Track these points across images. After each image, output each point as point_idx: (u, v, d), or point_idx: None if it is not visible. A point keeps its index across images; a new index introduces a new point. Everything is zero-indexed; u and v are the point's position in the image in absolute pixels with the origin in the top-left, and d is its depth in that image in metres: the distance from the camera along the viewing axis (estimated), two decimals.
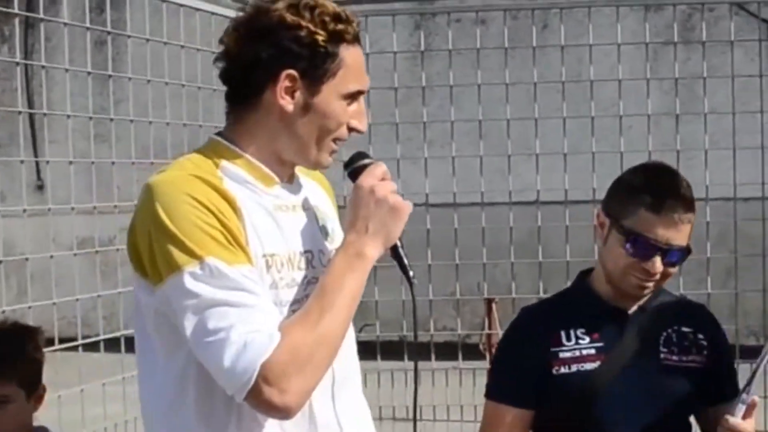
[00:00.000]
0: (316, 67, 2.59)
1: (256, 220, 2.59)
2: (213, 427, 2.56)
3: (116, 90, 5.32)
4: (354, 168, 2.70)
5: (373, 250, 2.59)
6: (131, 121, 5.37)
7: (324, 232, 2.77)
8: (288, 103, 2.60)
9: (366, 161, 2.69)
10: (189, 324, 2.45)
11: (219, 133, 2.71)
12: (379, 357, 6.45)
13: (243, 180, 2.62)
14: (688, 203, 3.24)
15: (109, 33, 5.33)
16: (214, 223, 2.48)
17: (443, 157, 6.47)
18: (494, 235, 6.35)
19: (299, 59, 2.58)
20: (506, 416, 3.39)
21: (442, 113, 6.60)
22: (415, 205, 6.66)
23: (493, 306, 8.21)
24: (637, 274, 3.25)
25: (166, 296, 2.48)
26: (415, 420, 2.91)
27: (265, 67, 2.58)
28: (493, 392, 3.46)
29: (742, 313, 6.71)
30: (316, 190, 2.86)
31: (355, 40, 2.65)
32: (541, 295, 6.01)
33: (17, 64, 5.06)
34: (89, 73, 5.23)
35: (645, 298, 3.36)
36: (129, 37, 5.34)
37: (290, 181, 2.74)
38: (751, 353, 6.54)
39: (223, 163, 2.61)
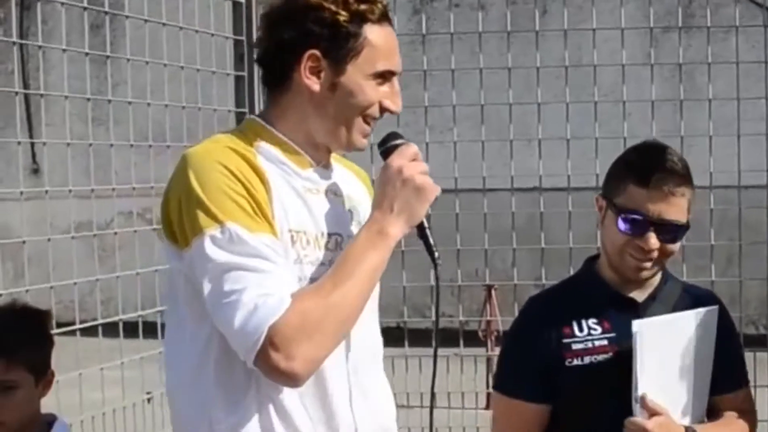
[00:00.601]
0: (338, 46, 2.64)
1: (285, 197, 2.65)
2: (232, 395, 2.60)
3: (113, 73, 5.29)
4: (386, 148, 2.72)
5: (396, 229, 2.63)
6: (129, 103, 5.32)
7: (353, 218, 2.80)
8: (314, 83, 2.66)
9: (398, 141, 2.72)
10: (206, 287, 2.52)
11: (258, 115, 2.81)
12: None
13: (277, 160, 2.69)
14: (678, 177, 3.21)
15: (106, 13, 5.27)
16: (241, 191, 2.55)
17: (444, 142, 6.43)
18: (494, 221, 6.30)
19: (321, 39, 2.65)
20: (523, 412, 3.34)
21: (441, 98, 6.55)
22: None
23: (493, 293, 8.20)
24: (633, 252, 3.23)
25: (191, 259, 2.55)
26: (431, 407, 2.94)
27: (290, 48, 2.67)
28: (504, 385, 3.41)
29: (743, 301, 6.68)
30: (352, 180, 2.91)
31: (383, 19, 2.68)
32: (544, 282, 5.96)
33: (14, 43, 4.99)
34: (87, 54, 5.18)
35: (654, 286, 3.33)
36: (127, 17, 5.29)
37: (326, 167, 2.79)
38: (751, 342, 6.55)
39: (259, 142, 2.70)
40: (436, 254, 2.76)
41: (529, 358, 3.33)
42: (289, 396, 2.61)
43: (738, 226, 6.30)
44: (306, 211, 2.69)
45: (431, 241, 2.75)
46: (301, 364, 2.48)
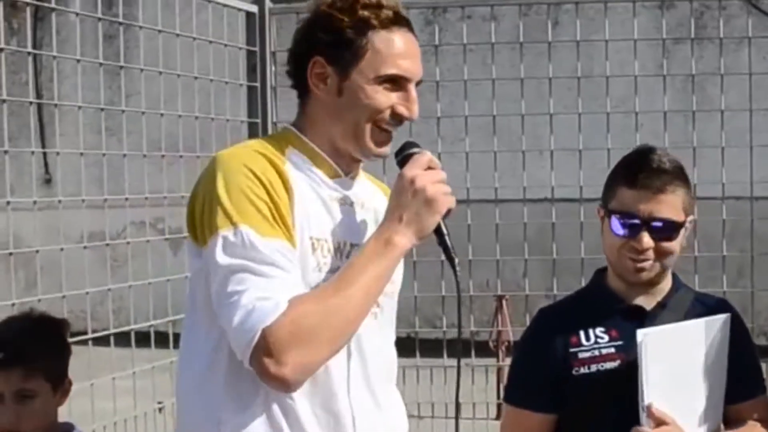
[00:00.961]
0: (341, 52, 2.67)
1: (309, 205, 2.67)
2: (241, 399, 2.60)
3: (127, 83, 5.29)
4: (402, 157, 2.73)
5: (403, 239, 2.61)
6: (143, 113, 5.34)
7: None
8: (321, 90, 2.71)
9: (413, 150, 2.73)
10: (214, 287, 2.55)
11: (292, 123, 2.84)
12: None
13: (305, 168, 2.72)
14: (666, 175, 3.22)
15: (120, 24, 5.28)
16: (262, 195, 2.58)
17: (456, 152, 6.43)
18: (505, 232, 6.30)
19: (324, 45, 2.69)
20: (529, 421, 3.36)
21: (453, 109, 6.56)
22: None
23: (504, 303, 8.19)
24: (629, 254, 3.24)
25: (207, 258, 2.58)
26: (457, 419, 2.95)
27: (300, 56, 2.73)
28: (513, 396, 3.44)
29: (754, 312, 6.67)
30: (378, 195, 2.92)
31: (392, 24, 2.69)
32: (555, 292, 5.96)
33: (28, 54, 5.02)
34: (101, 64, 5.20)
35: (663, 294, 3.33)
36: (140, 28, 5.30)
37: (354, 178, 2.81)
38: (762, 352, 6.55)
39: (290, 149, 2.73)
40: (456, 261, 2.74)
41: (536, 369, 3.35)
42: (300, 403, 2.62)
43: (750, 237, 6.30)
44: (330, 220, 2.70)
45: (451, 248, 2.73)
46: (291, 370, 2.47)
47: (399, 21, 2.71)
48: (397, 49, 2.68)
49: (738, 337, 3.34)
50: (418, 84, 2.76)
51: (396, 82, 2.69)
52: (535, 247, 6.38)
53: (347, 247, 2.70)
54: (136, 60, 5.34)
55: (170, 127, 5.58)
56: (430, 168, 2.67)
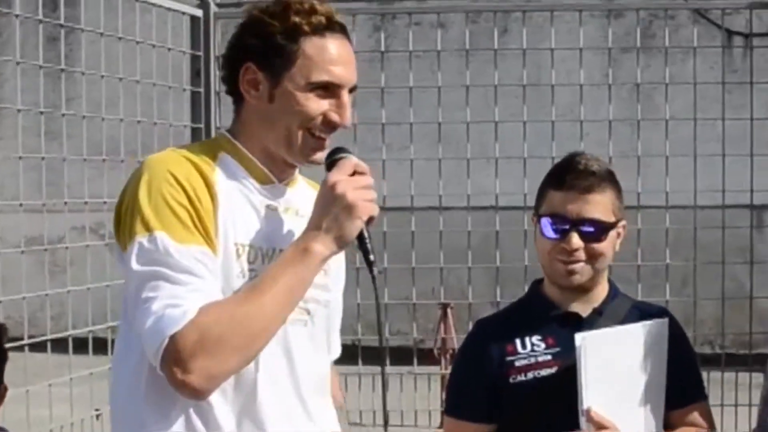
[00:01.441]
0: (271, 58, 2.65)
1: (237, 211, 2.64)
2: (161, 408, 2.57)
3: (69, 87, 5.24)
4: (328, 163, 2.68)
5: (321, 247, 2.57)
6: (83, 117, 5.28)
7: None
8: (252, 96, 2.69)
9: (339, 156, 2.67)
10: (128, 293, 2.54)
11: (228, 129, 2.81)
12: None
13: (238, 174, 2.69)
14: (593, 176, 3.23)
15: (62, 26, 5.22)
16: (183, 201, 2.54)
17: (401, 159, 6.42)
18: (450, 240, 6.29)
19: (255, 51, 2.67)
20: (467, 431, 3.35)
21: (400, 116, 6.54)
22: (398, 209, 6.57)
23: (448, 311, 8.18)
24: (560, 256, 3.24)
25: (125, 263, 2.55)
26: (385, 428, 2.91)
27: (231, 62, 2.72)
28: (451, 409, 3.43)
29: (698, 321, 6.69)
30: None
31: (324, 30, 2.66)
32: (498, 300, 5.96)
33: None
34: (41, 66, 5.13)
35: (600, 301, 3.32)
36: (83, 31, 5.24)
37: (290, 184, 2.78)
38: (707, 361, 6.56)
39: (222, 155, 2.70)
40: (374, 265, 2.66)
41: (474, 379, 3.34)
42: (222, 411, 2.58)
43: (694, 246, 6.32)
44: (259, 227, 2.66)
45: (371, 255, 2.65)
46: (198, 378, 2.44)
47: (332, 27, 2.68)
48: (329, 55, 2.65)
49: (677, 343, 3.35)
50: (352, 90, 2.72)
51: (328, 89, 2.65)
52: (481, 256, 6.38)
53: (275, 254, 2.65)
54: (79, 63, 5.29)
55: (112, 132, 5.52)
56: (356, 173, 2.61)
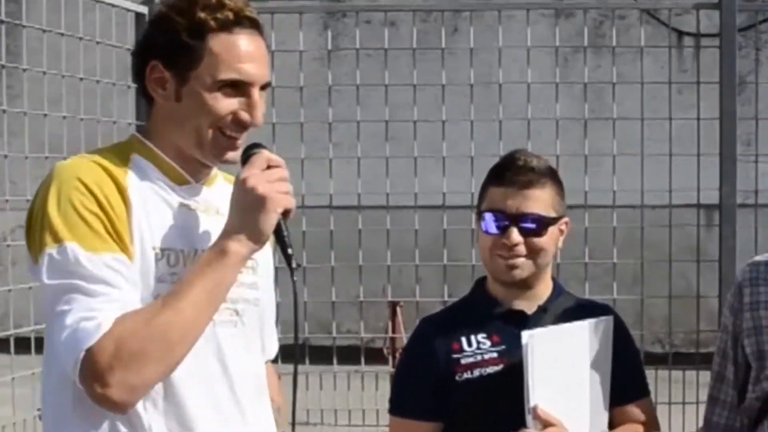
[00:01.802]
0: (177, 56, 2.57)
1: (154, 214, 2.56)
2: (88, 418, 2.50)
3: (11, 84, 5.17)
4: (243, 160, 2.60)
5: (238, 246, 2.49)
6: (25, 114, 5.22)
7: None
8: (159, 95, 2.60)
9: (253, 151, 2.59)
10: (42, 306, 2.46)
11: (142, 129, 2.74)
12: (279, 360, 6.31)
13: (152, 175, 2.60)
14: (533, 171, 3.23)
15: (3, 23, 5.15)
16: (94, 209, 2.46)
17: (348, 158, 6.39)
18: (400, 239, 6.28)
19: (160, 49, 2.59)
20: (414, 430, 3.32)
21: (351, 114, 6.53)
22: (319, 207, 6.61)
23: (398, 310, 8.16)
24: (500, 252, 3.23)
25: (38, 276, 2.46)
26: (293, 426, 2.82)
27: (138, 61, 2.63)
28: (397, 407, 3.39)
29: (648, 320, 6.72)
30: None
31: (232, 26, 2.58)
32: (446, 298, 5.95)
33: None
34: None
35: (544, 299, 3.32)
36: (24, 27, 5.18)
37: (207, 183, 2.70)
38: (657, 360, 6.60)
39: (136, 157, 2.61)
40: (293, 257, 2.59)
41: (419, 377, 3.31)
42: (152, 420, 2.51)
43: (641, 245, 6.35)
44: (177, 229, 2.58)
45: (289, 249, 2.58)
46: (117, 391, 2.37)
47: (241, 22, 2.59)
48: (237, 52, 2.57)
49: (621, 341, 3.34)
50: (264, 88, 2.63)
51: (238, 87, 2.56)
52: (431, 254, 6.37)
53: (198, 256, 2.56)
54: (21, 60, 5.22)
55: (56, 129, 5.46)
56: (270, 167, 2.53)
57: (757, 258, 3.64)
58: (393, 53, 6.44)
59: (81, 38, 5.45)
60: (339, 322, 6.61)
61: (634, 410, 3.37)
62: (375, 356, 7.30)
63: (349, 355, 6.64)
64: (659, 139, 6.38)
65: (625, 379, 3.33)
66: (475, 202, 5.94)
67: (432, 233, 6.27)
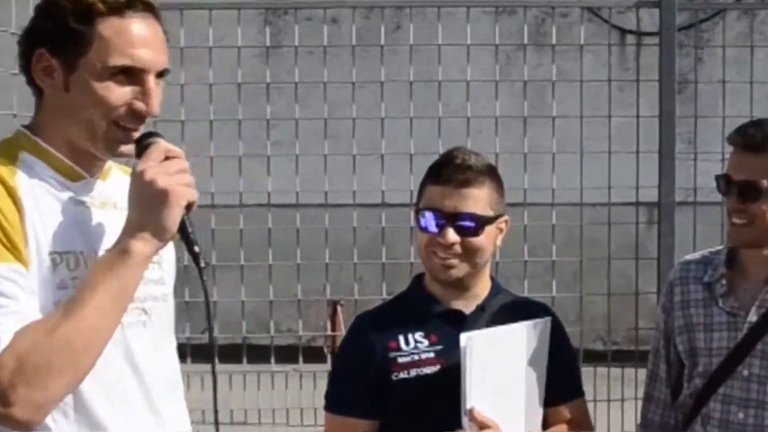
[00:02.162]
0: (63, 43, 2.41)
1: (49, 216, 2.40)
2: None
3: None
4: (138, 151, 2.46)
5: (141, 245, 2.36)
6: None
7: None
8: (47, 85, 2.43)
9: (148, 141, 2.45)
10: None
11: (28, 124, 2.52)
12: (216, 360, 6.25)
13: (43, 174, 2.44)
14: (471, 170, 3.21)
15: None
16: None
17: (286, 155, 6.34)
18: (339, 237, 6.25)
19: (46, 36, 2.42)
20: (349, 429, 3.29)
21: (291, 112, 6.48)
22: (258, 205, 6.56)
23: (339, 308, 8.13)
24: (436, 250, 3.22)
25: None
26: (216, 425, 2.68)
27: (23, 48, 2.45)
28: (333, 404, 3.36)
29: (590, 317, 6.73)
30: None
31: (124, 9, 2.43)
32: (385, 297, 5.93)
33: None
34: None
35: (482, 298, 3.32)
36: None
37: (101, 176, 2.55)
38: (598, 357, 6.61)
39: (24, 155, 2.44)
40: (199, 254, 2.47)
41: (355, 375, 3.30)
42: (63, 430, 2.41)
43: (581, 242, 6.36)
44: (76, 229, 2.43)
45: (195, 246, 2.45)
46: (21, 409, 2.25)
47: (133, 5, 2.43)
48: (129, 37, 2.41)
49: (557, 341, 3.35)
50: (161, 75, 2.48)
51: (131, 75, 2.42)
52: (370, 252, 6.35)
53: (97, 256, 2.43)
54: None
55: None
56: (168, 158, 2.40)
57: (688, 257, 3.69)
58: (335, 51, 6.40)
59: None
60: (279, 321, 6.57)
61: (568, 411, 3.38)
62: (316, 355, 7.27)
63: (289, 354, 6.60)
64: (602, 137, 6.39)
65: (561, 379, 3.34)
66: (415, 200, 5.96)
67: (371, 231, 6.25)
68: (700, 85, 6.88)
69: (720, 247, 3.57)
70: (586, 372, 6.18)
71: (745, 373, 3.38)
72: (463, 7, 6.50)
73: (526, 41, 6.47)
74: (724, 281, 3.45)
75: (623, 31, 9.18)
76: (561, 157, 6.37)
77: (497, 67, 6.36)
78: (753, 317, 3.39)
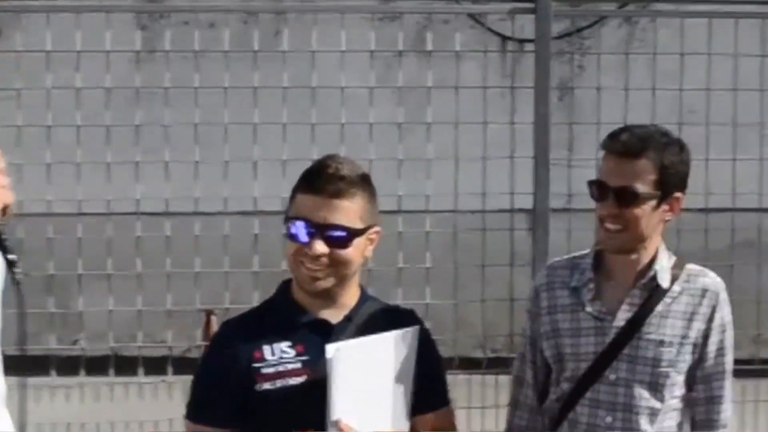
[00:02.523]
0: None
1: None
2: None
3: None
4: None
5: None
6: None
7: None
8: None
9: None
10: None
11: None
12: (83, 372, 6.14)
13: None
14: (342, 181, 3.17)
15: None
16: None
17: (155, 162, 6.22)
18: (210, 245, 6.15)
19: None
20: None
21: (162, 118, 6.36)
22: (126, 213, 6.42)
23: (212, 318, 8.03)
24: (304, 260, 3.18)
25: None
26: None
27: None
28: (192, 412, 3.29)
29: (468, 324, 6.72)
30: None
31: None
32: (254, 305, 5.85)
33: None
34: None
35: (350, 307, 3.28)
36: None
37: None
38: (475, 365, 6.59)
39: None
40: (17, 272, 2.42)
41: (218, 383, 3.23)
42: None
43: (454, 250, 6.35)
44: None
45: (9, 254, 2.41)
46: None
47: None
48: None
49: (424, 349, 3.33)
50: None
51: None
52: (244, 260, 6.26)
53: None
54: None
55: None
56: None
57: (553, 262, 3.71)
58: (213, 56, 6.31)
59: None
60: (153, 331, 6.44)
61: (435, 419, 3.37)
62: (189, 366, 7.15)
63: (160, 365, 6.48)
64: (481, 143, 6.38)
65: (428, 388, 3.33)
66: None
67: (243, 239, 6.17)
68: (583, 92, 6.92)
69: (586, 251, 3.58)
70: (463, 380, 6.23)
71: (613, 377, 3.44)
72: (339, 13, 6.43)
73: (401, 47, 6.43)
74: (591, 285, 3.50)
75: (504, 38, 9.20)
76: (439, 164, 6.35)
77: (372, 74, 6.31)
78: (620, 322, 3.45)
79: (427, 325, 3.46)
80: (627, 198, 3.36)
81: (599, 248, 3.50)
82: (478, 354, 7.84)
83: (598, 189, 3.42)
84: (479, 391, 6.44)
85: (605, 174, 3.41)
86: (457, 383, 5.88)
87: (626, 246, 3.43)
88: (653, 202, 3.39)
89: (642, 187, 3.36)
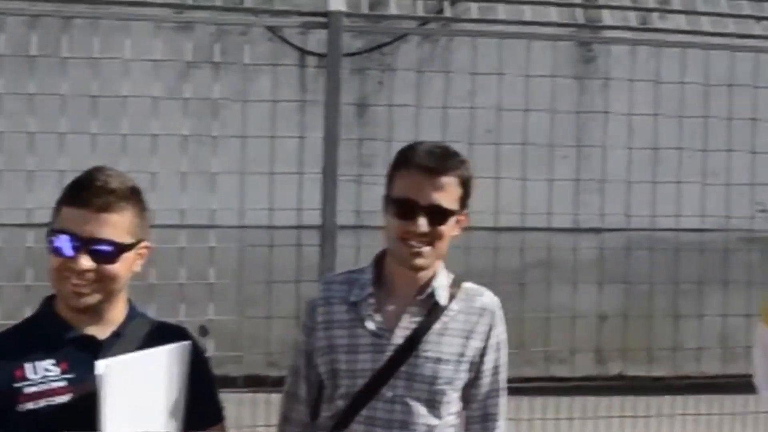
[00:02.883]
0: None
1: None
2: None
3: None
4: None
5: None
6: None
7: None
8: None
9: None
10: None
11: None
12: None
13: None
14: (110, 195, 3.09)
15: None
16: None
17: None
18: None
19: None
20: None
21: None
22: None
23: None
24: (69, 275, 3.08)
25: None
26: None
27: None
28: None
29: (262, 342, 6.61)
30: None
31: None
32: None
33: None
34: None
35: (118, 323, 3.19)
36: None
37: None
38: (261, 382, 6.49)
39: None
40: None
41: None
42: None
43: (240, 265, 6.27)
44: None
45: None
46: None
47: None
48: None
49: (197, 366, 3.27)
50: None
51: None
52: (19, 274, 6.02)
53: None
54: None
55: None
56: None
57: (330, 276, 3.64)
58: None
59: None
60: None
61: None
62: None
63: None
64: (281, 158, 6.29)
65: (201, 404, 3.27)
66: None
67: (16, 252, 5.95)
68: (381, 109, 6.91)
69: (363, 267, 3.53)
70: (248, 398, 6.13)
71: (390, 394, 3.39)
72: (120, 20, 6.27)
73: (190, 58, 6.31)
74: (372, 300, 3.44)
75: (303, 52, 9.15)
76: (225, 178, 6.24)
77: (159, 85, 6.17)
78: (398, 339, 3.41)
79: (213, 342, 3.38)
80: (438, 216, 3.33)
81: (405, 266, 3.40)
82: (268, 371, 7.75)
83: (405, 207, 3.34)
84: (264, 409, 6.36)
85: (411, 191, 3.34)
86: (243, 401, 5.78)
87: (431, 263, 3.40)
88: (454, 219, 3.38)
89: (450, 204, 3.34)
